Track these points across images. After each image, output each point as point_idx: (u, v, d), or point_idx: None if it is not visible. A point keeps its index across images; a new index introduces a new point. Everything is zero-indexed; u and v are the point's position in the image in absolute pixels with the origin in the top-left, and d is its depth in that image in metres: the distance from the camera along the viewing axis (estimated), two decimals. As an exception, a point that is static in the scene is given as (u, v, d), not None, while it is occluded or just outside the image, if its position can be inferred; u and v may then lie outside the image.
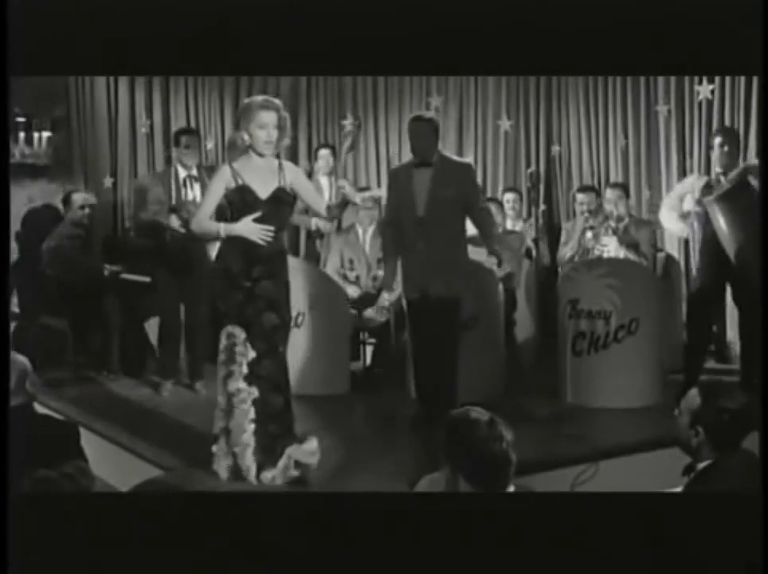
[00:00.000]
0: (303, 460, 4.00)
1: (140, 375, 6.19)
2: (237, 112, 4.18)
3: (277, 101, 4.12)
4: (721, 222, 4.94)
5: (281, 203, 4.06)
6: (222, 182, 4.07)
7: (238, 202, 4.04)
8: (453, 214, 4.73)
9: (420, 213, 4.74)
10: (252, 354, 3.99)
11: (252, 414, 3.98)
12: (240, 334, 3.99)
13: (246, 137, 4.02)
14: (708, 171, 6.46)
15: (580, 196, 6.47)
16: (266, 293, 4.02)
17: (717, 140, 5.26)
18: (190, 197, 5.78)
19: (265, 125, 4.00)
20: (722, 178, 5.13)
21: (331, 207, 4.33)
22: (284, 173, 4.08)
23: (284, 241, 4.24)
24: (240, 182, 4.03)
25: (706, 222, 5.12)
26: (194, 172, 5.86)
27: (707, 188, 5.13)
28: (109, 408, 5.44)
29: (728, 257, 4.95)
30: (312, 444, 4.07)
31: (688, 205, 5.22)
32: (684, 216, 5.27)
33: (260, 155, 4.05)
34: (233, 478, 4.00)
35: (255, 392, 3.99)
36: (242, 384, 3.99)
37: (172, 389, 5.81)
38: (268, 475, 3.96)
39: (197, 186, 5.82)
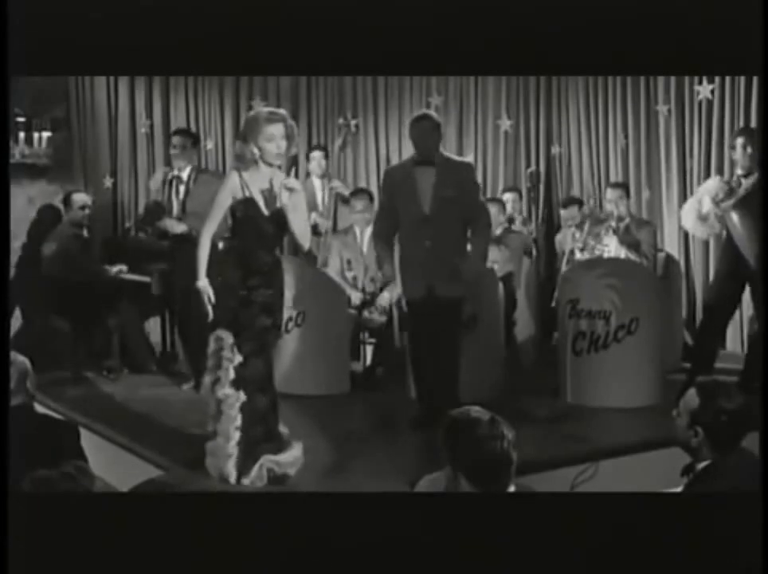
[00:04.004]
0: (278, 470, 3.98)
1: (141, 374, 6.21)
2: (242, 126, 4.14)
3: (282, 111, 4.11)
4: (739, 228, 4.92)
5: (281, 221, 4.03)
6: (230, 191, 4.04)
7: (242, 215, 4.03)
8: (456, 214, 4.73)
9: (426, 211, 4.73)
10: (238, 358, 3.96)
11: (238, 421, 3.96)
12: (228, 338, 3.96)
13: (255, 151, 3.99)
14: (708, 172, 6.47)
15: (563, 212, 6.51)
16: (261, 299, 4.01)
17: (740, 141, 5.13)
18: (174, 199, 5.78)
19: (273, 137, 3.97)
20: (743, 181, 5.09)
21: None
22: (283, 191, 4.01)
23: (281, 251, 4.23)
24: (247, 193, 4.02)
25: (723, 226, 5.11)
26: (183, 174, 5.82)
27: (729, 192, 5.07)
28: (109, 408, 5.44)
29: (746, 263, 4.93)
30: (292, 453, 4.06)
31: (707, 207, 5.16)
32: (703, 218, 5.20)
33: (270, 165, 4.03)
34: (219, 479, 3.99)
35: (242, 397, 3.96)
36: (229, 390, 3.95)
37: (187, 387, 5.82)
38: (246, 481, 3.95)
39: (181, 189, 5.80)
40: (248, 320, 3.99)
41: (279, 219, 4.03)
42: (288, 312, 5.47)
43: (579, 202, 6.66)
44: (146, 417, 5.24)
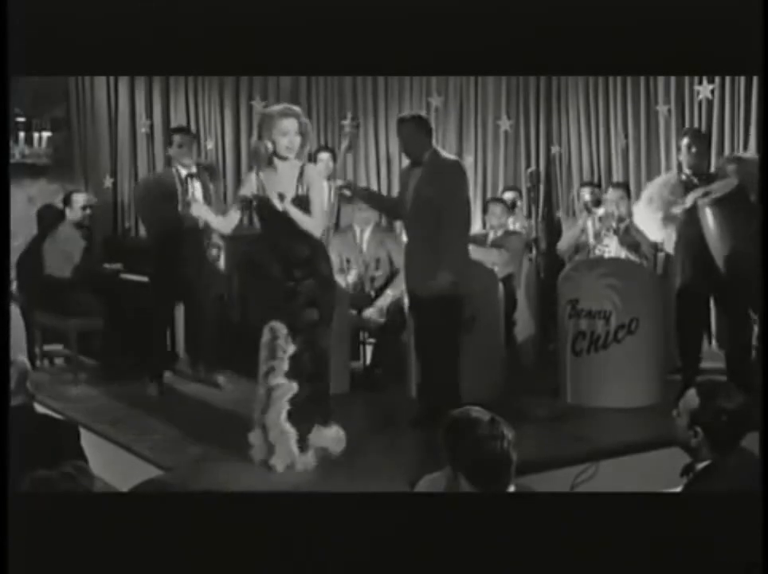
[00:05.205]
0: (329, 447, 4.18)
1: (141, 374, 6.20)
2: (257, 122, 4.35)
3: (297, 108, 4.29)
4: (711, 227, 4.90)
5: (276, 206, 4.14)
6: (249, 191, 4.26)
7: (259, 213, 4.26)
8: (433, 213, 4.63)
9: (407, 211, 4.75)
10: (292, 348, 4.10)
11: (287, 406, 4.09)
12: (282, 329, 4.09)
13: (269, 145, 4.17)
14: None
15: (584, 190, 6.48)
16: (308, 290, 4.16)
17: (684, 141, 5.24)
18: (196, 195, 5.81)
19: (287, 132, 4.15)
20: (694, 179, 5.11)
21: None
22: (302, 178, 4.19)
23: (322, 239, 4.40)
24: (261, 193, 4.20)
25: (690, 223, 5.07)
26: (193, 170, 5.88)
27: (687, 189, 5.07)
28: (110, 408, 5.44)
29: (712, 259, 4.92)
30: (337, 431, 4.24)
31: (678, 208, 5.13)
32: (670, 219, 5.18)
33: (284, 158, 4.19)
34: (265, 467, 4.12)
35: (295, 387, 4.10)
36: (282, 379, 4.09)
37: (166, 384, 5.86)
38: (299, 466, 4.11)
39: (197, 185, 5.84)
40: (296, 312, 4.13)
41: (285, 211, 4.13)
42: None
43: (598, 186, 6.64)
44: (148, 415, 5.23)
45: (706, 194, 4.94)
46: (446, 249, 4.62)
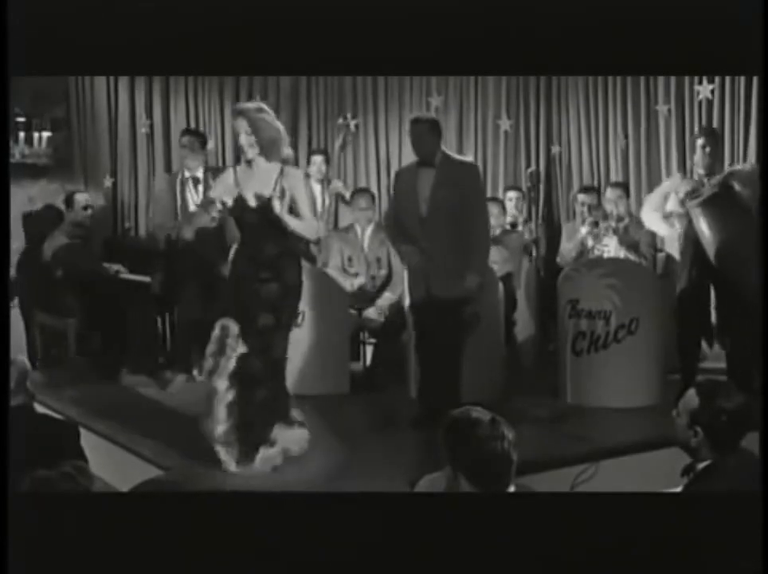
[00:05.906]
0: (290, 447, 4.11)
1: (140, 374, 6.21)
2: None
3: (248, 105, 4.24)
4: (703, 227, 4.91)
5: (270, 212, 4.08)
6: (223, 185, 4.22)
7: (233, 210, 4.17)
8: (453, 215, 4.70)
9: (423, 213, 4.74)
10: (242, 349, 4.05)
11: (222, 416, 4.04)
12: (234, 328, 4.05)
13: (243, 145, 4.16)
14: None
15: (581, 196, 6.47)
16: (269, 295, 4.09)
17: (699, 142, 5.25)
18: (190, 200, 5.79)
19: (239, 133, 4.13)
20: (705, 180, 5.12)
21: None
22: (281, 179, 4.13)
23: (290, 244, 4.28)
24: (238, 189, 4.15)
25: (689, 223, 5.09)
26: (198, 173, 5.85)
27: (692, 191, 5.09)
28: (109, 408, 5.43)
29: (710, 261, 4.93)
30: (300, 433, 4.20)
31: (672, 205, 5.18)
32: (667, 216, 5.24)
33: (250, 160, 4.16)
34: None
35: (230, 397, 4.04)
36: (223, 383, 4.04)
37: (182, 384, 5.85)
38: (265, 453, 4.05)
39: (200, 188, 5.83)
40: (252, 315, 4.07)
41: (267, 210, 4.07)
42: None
43: (596, 190, 6.63)
44: (148, 414, 5.23)
45: (695, 197, 4.95)
46: (472, 250, 4.71)
